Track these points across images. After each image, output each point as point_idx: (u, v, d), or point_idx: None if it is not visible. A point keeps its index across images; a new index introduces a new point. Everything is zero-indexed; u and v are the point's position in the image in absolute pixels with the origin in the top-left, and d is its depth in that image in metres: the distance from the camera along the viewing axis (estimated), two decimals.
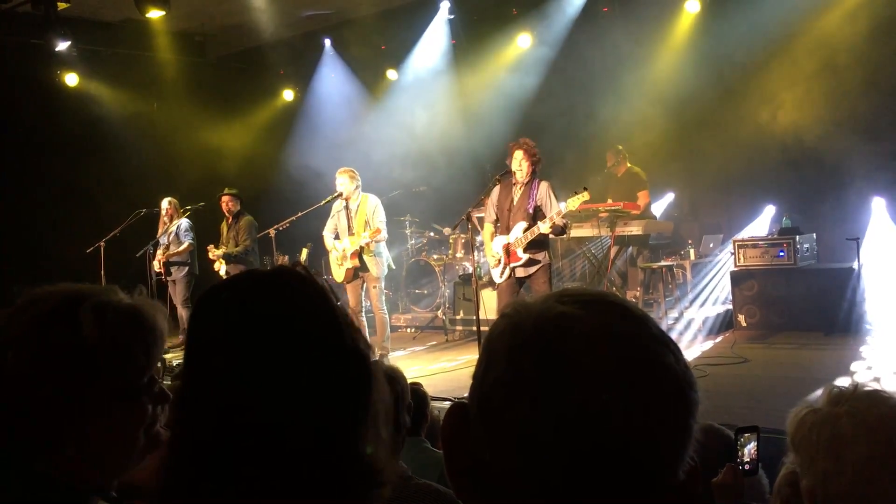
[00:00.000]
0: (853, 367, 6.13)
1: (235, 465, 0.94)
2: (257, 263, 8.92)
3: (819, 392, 1.43)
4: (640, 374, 0.71)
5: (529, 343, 0.73)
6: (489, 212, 6.95)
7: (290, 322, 0.99)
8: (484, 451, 0.74)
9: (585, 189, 6.51)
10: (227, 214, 9.09)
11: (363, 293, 7.73)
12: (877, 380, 5.65)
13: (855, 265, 7.66)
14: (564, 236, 7.76)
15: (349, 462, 0.97)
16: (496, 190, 6.90)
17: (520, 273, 6.70)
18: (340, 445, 0.96)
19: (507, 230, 6.75)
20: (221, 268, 8.78)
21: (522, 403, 0.71)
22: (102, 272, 8.80)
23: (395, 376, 2.49)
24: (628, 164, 9.45)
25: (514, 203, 6.72)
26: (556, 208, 6.52)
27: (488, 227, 6.96)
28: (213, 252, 8.85)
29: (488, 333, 0.79)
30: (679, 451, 0.72)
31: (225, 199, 8.95)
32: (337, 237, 7.80)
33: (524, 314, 0.76)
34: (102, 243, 9.03)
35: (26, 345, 1.18)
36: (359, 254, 7.55)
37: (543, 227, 6.45)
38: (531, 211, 6.64)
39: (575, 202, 6.50)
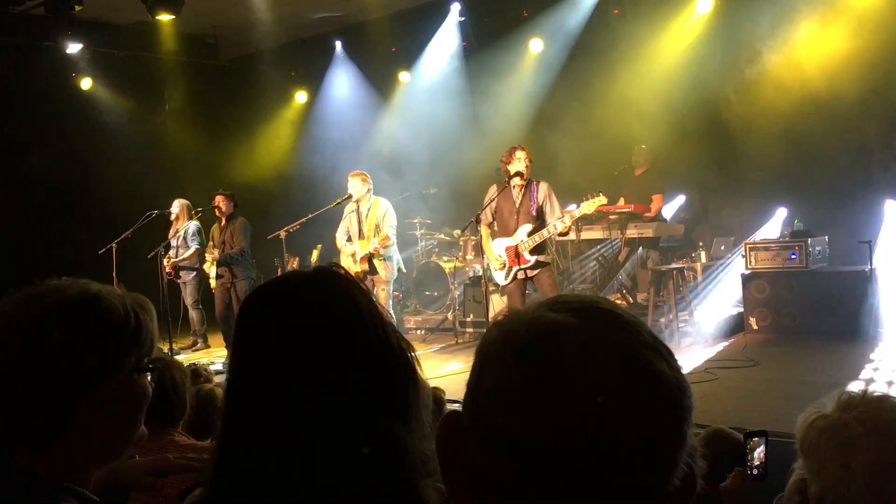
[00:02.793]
0: (865, 371, 6.09)
1: (288, 461, 0.96)
2: (251, 265, 8.91)
3: (828, 397, 1.42)
4: (632, 382, 0.71)
5: (522, 352, 0.73)
6: (486, 214, 6.97)
7: (336, 322, 1.01)
8: (478, 459, 0.74)
9: (601, 193, 6.55)
10: (219, 216, 9.01)
11: (373, 295, 7.74)
12: (889, 384, 5.61)
13: (867, 268, 7.61)
14: (573, 237, 7.78)
15: (399, 454, 0.99)
16: (493, 192, 6.92)
17: (524, 274, 6.74)
18: (390, 438, 0.98)
19: (508, 232, 6.76)
20: (212, 270, 8.73)
21: (515, 412, 0.71)
22: (114, 273, 8.84)
23: None
24: (649, 166, 9.41)
25: (517, 205, 6.73)
26: (558, 208, 6.57)
27: (485, 230, 6.98)
28: (211, 255, 8.82)
29: (481, 342, 0.79)
30: (673, 457, 0.72)
31: (218, 198, 8.88)
32: (349, 239, 7.82)
33: (516, 322, 0.76)
34: (115, 245, 9.06)
35: (37, 333, 1.19)
36: (369, 258, 7.57)
37: (560, 227, 6.51)
38: (534, 213, 6.66)
39: (591, 206, 6.54)
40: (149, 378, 1.29)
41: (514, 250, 6.71)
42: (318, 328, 1.01)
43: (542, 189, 6.71)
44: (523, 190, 6.72)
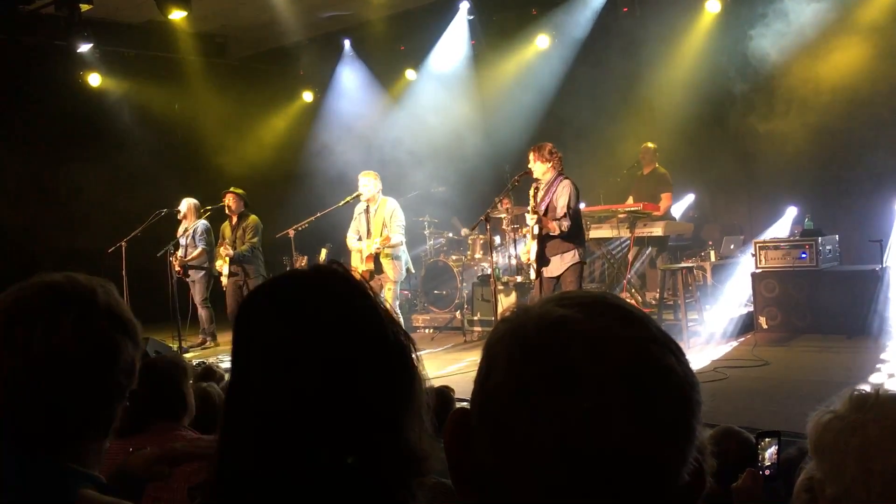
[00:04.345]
0: (876, 370, 6.05)
1: (286, 457, 0.97)
2: (262, 263, 8.93)
3: (839, 396, 1.40)
4: (640, 377, 0.70)
5: (529, 347, 0.73)
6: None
7: (333, 318, 1.02)
8: (486, 456, 0.74)
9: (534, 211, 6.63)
10: (229, 214, 9.04)
11: (381, 295, 7.74)
12: None
13: (878, 268, 7.56)
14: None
15: (396, 450, 0.99)
16: (532, 190, 6.95)
17: (547, 273, 6.71)
18: (387, 435, 0.99)
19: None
20: (224, 267, 8.75)
21: (523, 408, 0.71)
22: (124, 272, 8.88)
23: None
24: (656, 165, 9.37)
25: (536, 203, 6.75)
26: (560, 207, 6.56)
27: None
28: (225, 251, 8.84)
29: (489, 338, 0.79)
30: (682, 452, 0.71)
31: (228, 197, 8.93)
32: (360, 238, 7.85)
33: (524, 318, 0.76)
34: (124, 243, 9.10)
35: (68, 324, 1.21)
36: (374, 257, 7.58)
37: (529, 222, 6.56)
38: (543, 210, 6.65)
39: (531, 219, 6.62)
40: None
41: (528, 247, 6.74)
42: (316, 326, 1.01)
43: (559, 186, 6.66)
44: (546, 187, 6.71)
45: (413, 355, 1.05)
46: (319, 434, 0.97)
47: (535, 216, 6.54)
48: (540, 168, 6.67)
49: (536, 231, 6.58)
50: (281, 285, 1.09)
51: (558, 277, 6.68)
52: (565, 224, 6.52)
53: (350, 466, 0.97)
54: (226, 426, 1.04)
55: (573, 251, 6.66)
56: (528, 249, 6.74)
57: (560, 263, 6.64)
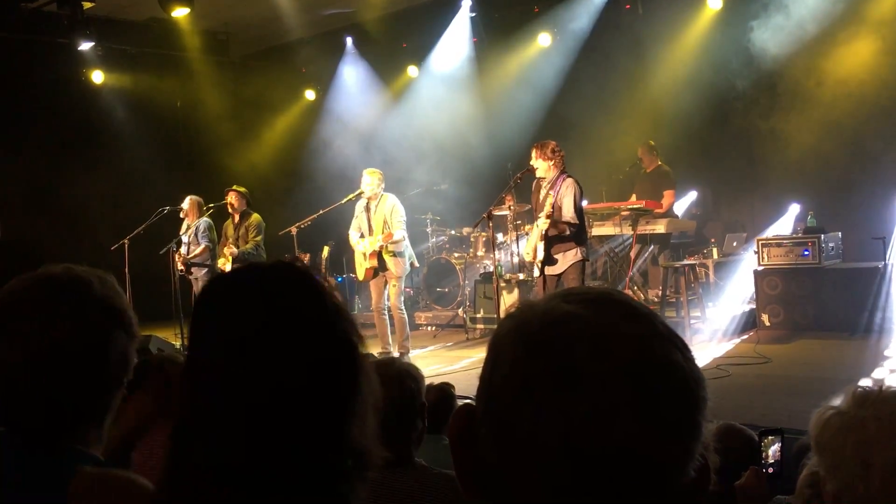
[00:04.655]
0: (878, 367, 6.04)
1: (226, 447, 0.99)
2: (263, 261, 8.93)
3: (842, 393, 1.40)
4: (646, 373, 0.70)
5: (535, 343, 0.73)
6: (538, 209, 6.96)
7: (283, 310, 1.04)
8: (491, 452, 0.74)
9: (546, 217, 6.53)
10: (231, 212, 9.05)
11: (385, 291, 7.75)
12: None
13: (881, 265, 7.55)
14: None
15: (335, 445, 1.01)
16: (534, 188, 6.92)
17: (549, 271, 6.69)
18: (326, 429, 1.01)
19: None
20: (227, 265, 8.75)
21: (527, 405, 0.70)
22: (126, 269, 8.89)
23: (410, 375, 2.48)
24: (659, 162, 9.36)
25: (540, 201, 6.74)
26: (567, 206, 6.53)
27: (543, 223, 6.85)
28: (229, 249, 8.84)
29: (494, 334, 0.78)
30: (688, 450, 0.71)
31: (231, 195, 8.93)
32: (362, 236, 7.85)
33: (529, 314, 0.75)
34: (126, 240, 9.11)
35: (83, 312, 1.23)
36: (378, 254, 7.59)
37: (542, 224, 6.50)
38: (550, 209, 6.63)
39: (543, 223, 6.54)
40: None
41: (534, 246, 6.73)
42: (264, 320, 1.03)
43: (564, 185, 6.63)
44: (549, 185, 6.69)
45: (361, 352, 1.07)
46: (261, 426, 0.99)
47: (548, 220, 6.50)
48: (542, 166, 6.63)
49: (544, 232, 6.54)
50: (236, 275, 1.13)
51: (560, 275, 6.67)
52: (573, 224, 6.55)
53: (292, 459, 0.99)
54: (178, 415, 1.06)
55: (575, 249, 6.64)
56: (533, 248, 6.69)
57: (563, 261, 6.63)
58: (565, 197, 6.58)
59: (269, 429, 0.99)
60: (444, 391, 3.43)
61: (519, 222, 9.36)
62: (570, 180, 6.62)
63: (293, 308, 1.04)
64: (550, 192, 6.63)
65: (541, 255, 6.60)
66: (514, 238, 9.33)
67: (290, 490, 0.99)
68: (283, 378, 1.00)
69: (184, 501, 1.00)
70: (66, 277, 1.29)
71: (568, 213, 6.52)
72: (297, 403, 1.00)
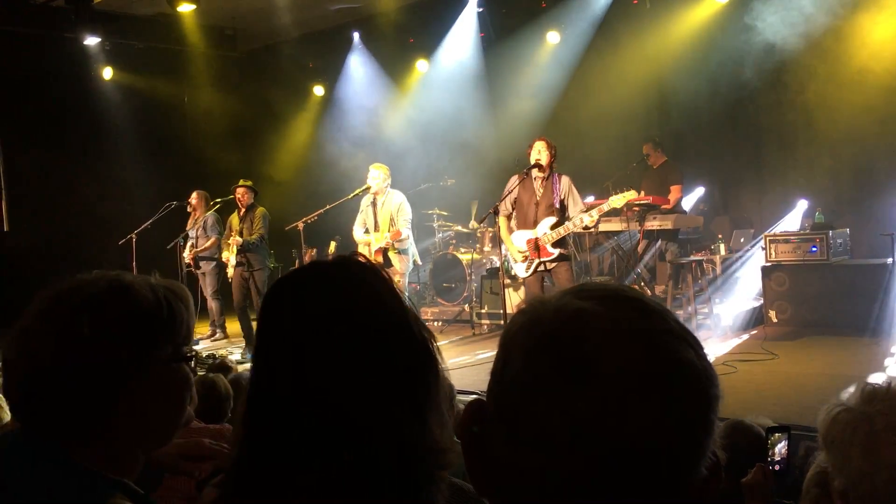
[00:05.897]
0: (887, 364, 6.02)
1: (312, 452, 0.97)
2: (268, 254, 8.94)
3: (851, 389, 1.40)
4: (658, 370, 0.70)
5: (547, 340, 0.72)
6: (505, 205, 6.94)
7: (355, 310, 1.02)
8: (502, 448, 0.74)
9: (632, 188, 6.61)
10: (239, 206, 9.07)
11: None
12: None
13: (889, 261, 7.52)
14: (591, 229, 7.77)
15: (417, 444, 0.99)
16: (512, 182, 6.90)
17: (545, 266, 6.73)
18: (408, 428, 0.99)
19: (528, 224, 6.74)
20: (231, 257, 8.77)
21: (540, 401, 0.70)
22: (134, 264, 8.92)
23: None
24: (666, 158, 9.34)
25: (538, 197, 6.71)
26: (580, 201, 6.60)
27: (503, 221, 6.94)
28: (234, 239, 8.84)
29: (506, 330, 0.78)
30: (699, 446, 0.71)
31: (240, 190, 8.95)
32: (367, 231, 7.86)
33: (541, 310, 0.75)
34: (134, 235, 9.14)
35: (69, 328, 1.20)
36: (383, 251, 7.61)
37: (587, 221, 6.52)
38: (557, 205, 6.63)
39: (620, 200, 6.60)
40: (191, 365, 1.30)
41: (535, 243, 6.68)
42: (337, 317, 1.01)
43: (564, 182, 6.70)
44: (545, 182, 6.69)
45: (435, 348, 1.05)
46: (347, 429, 0.97)
47: (595, 218, 6.58)
48: (545, 157, 6.69)
49: (586, 223, 6.57)
50: (303, 276, 1.09)
51: (551, 270, 6.71)
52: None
53: (378, 462, 0.96)
54: (250, 420, 1.03)
55: (567, 245, 6.78)
56: (545, 242, 6.69)
57: (560, 256, 6.68)
58: (570, 194, 6.73)
59: (354, 433, 0.96)
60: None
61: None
62: (566, 177, 6.79)
63: (365, 308, 1.02)
64: (550, 189, 6.68)
65: (553, 252, 6.62)
66: None
67: (378, 494, 0.96)
68: (359, 380, 0.98)
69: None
70: (84, 289, 1.25)
71: (578, 207, 6.66)
72: (382, 406, 0.97)
